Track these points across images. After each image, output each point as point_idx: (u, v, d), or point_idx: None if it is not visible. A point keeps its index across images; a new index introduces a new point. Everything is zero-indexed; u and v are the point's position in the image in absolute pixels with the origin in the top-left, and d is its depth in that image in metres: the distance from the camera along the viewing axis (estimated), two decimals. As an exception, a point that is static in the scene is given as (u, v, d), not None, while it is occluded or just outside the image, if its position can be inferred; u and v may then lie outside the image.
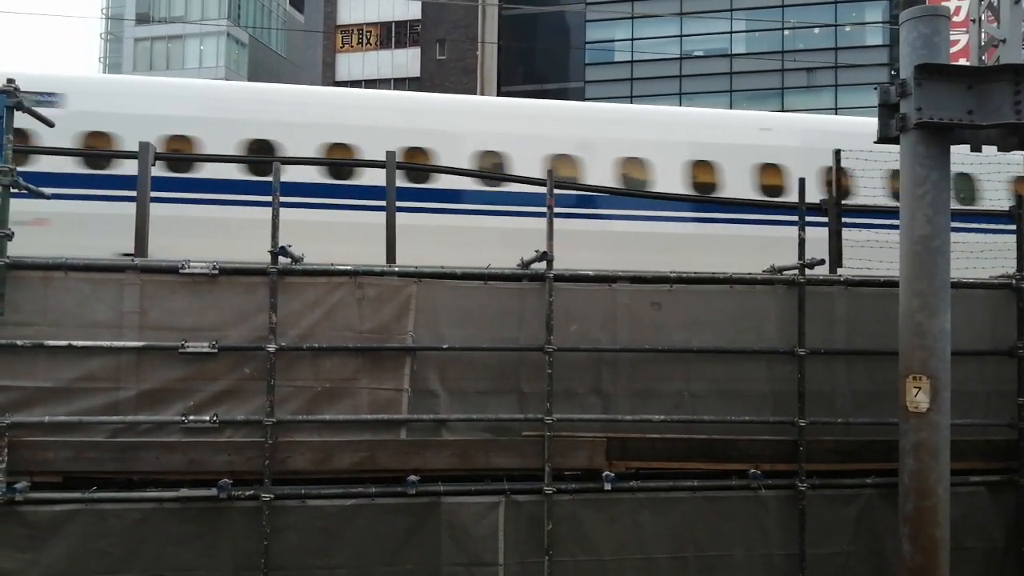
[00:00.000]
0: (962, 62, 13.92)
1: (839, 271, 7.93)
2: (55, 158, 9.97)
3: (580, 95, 39.95)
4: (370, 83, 38.99)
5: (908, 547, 6.16)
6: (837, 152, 8.75)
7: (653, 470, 6.81)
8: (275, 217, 6.33)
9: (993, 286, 7.55)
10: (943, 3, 21.86)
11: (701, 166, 11.94)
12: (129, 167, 10.56)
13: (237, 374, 6.34)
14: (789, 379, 6.98)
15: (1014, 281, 7.46)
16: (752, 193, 11.64)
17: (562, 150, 11.66)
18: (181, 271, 6.30)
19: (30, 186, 6.38)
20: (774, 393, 7.05)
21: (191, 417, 6.17)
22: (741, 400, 6.99)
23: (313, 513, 6.30)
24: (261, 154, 11.11)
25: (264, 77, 42.40)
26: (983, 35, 12.92)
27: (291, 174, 10.70)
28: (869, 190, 10.26)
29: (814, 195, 8.89)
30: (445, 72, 38.83)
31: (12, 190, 6.16)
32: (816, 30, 39.21)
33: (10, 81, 6.09)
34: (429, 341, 6.62)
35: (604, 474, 6.57)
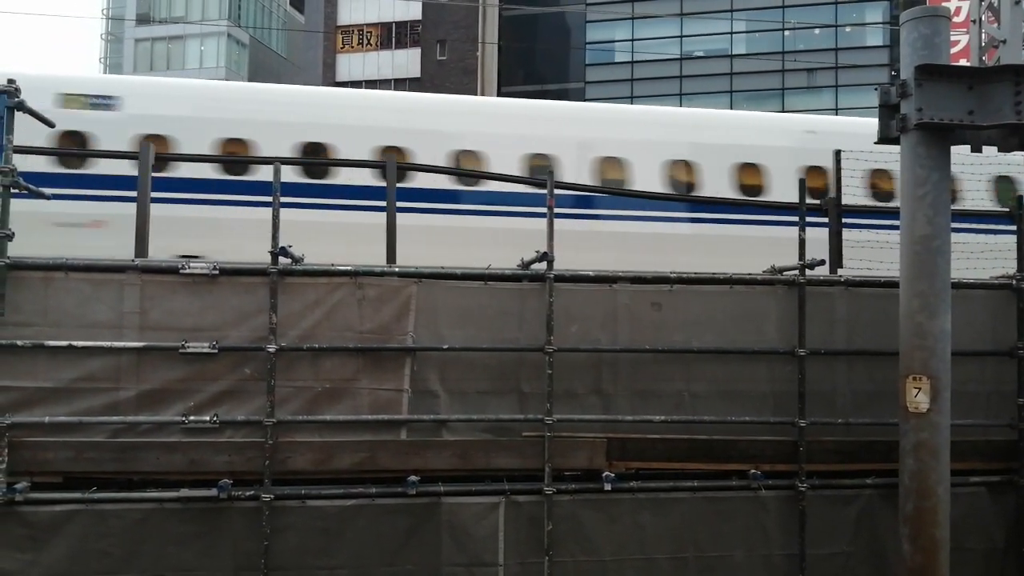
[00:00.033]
0: (962, 63, 13.96)
1: (839, 271, 7.94)
2: (113, 161, 10.00)
3: (580, 96, 39.99)
4: (370, 83, 39.02)
5: (908, 547, 6.16)
6: (837, 153, 8.76)
7: (653, 470, 6.81)
8: (275, 217, 6.33)
9: (993, 286, 7.55)
10: (943, 4, 21.86)
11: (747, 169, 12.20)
12: (185, 170, 10.64)
13: (237, 374, 6.34)
14: (789, 379, 6.98)
15: (1014, 281, 7.47)
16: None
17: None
18: (181, 271, 6.30)
19: (30, 186, 6.37)
20: (774, 393, 7.05)
21: (191, 417, 6.17)
22: (741, 400, 6.99)
23: (313, 513, 6.30)
24: (317, 156, 11.26)
25: (264, 78, 42.37)
26: (983, 36, 12.94)
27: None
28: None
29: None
30: (445, 73, 38.85)
31: (14, 190, 6.15)
32: (816, 31, 39.27)
33: (10, 81, 6.08)
34: (429, 341, 6.62)
35: (604, 474, 6.57)
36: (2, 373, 6.04)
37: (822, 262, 7.24)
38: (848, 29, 39.55)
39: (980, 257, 7.91)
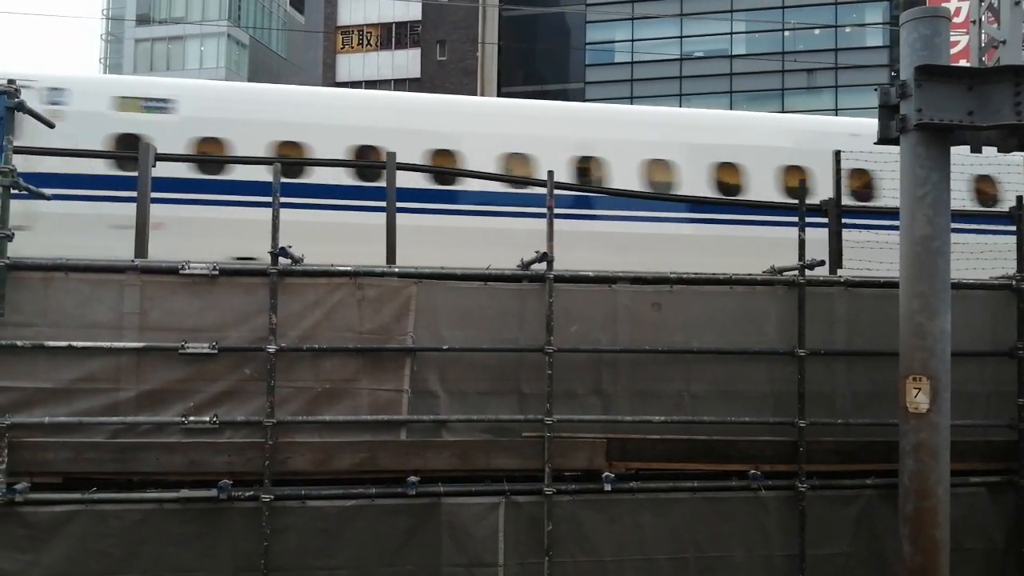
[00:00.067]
0: (962, 63, 13.93)
1: (839, 272, 7.94)
2: (172, 165, 9.96)
3: (580, 96, 39.99)
4: (370, 84, 39.01)
5: (908, 548, 6.16)
6: (837, 153, 8.76)
7: (653, 471, 6.81)
8: (275, 218, 6.34)
9: (993, 287, 7.55)
10: (943, 4, 21.87)
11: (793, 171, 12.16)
12: (242, 173, 10.61)
13: (237, 375, 6.34)
14: (789, 380, 6.98)
15: (1014, 282, 7.47)
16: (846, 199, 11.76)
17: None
18: (181, 272, 6.31)
19: (30, 187, 6.37)
20: (774, 394, 7.05)
21: (191, 418, 6.17)
22: (741, 401, 6.99)
23: (313, 514, 6.30)
24: (378, 160, 11.18)
25: (264, 78, 42.35)
26: (983, 36, 12.92)
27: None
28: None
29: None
30: (445, 73, 38.84)
31: (14, 191, 6.15)
32: (816, 31, 39.26)
33: (10, 81, 6.09)
34: (429, 342, 6.62)
35: (604, 475, 6.57)
36: (2, 373, 6.04)
37: (822, 262, 7.25)
38: (848, 29, 39.54)
39: (980, 257, 7.91)
